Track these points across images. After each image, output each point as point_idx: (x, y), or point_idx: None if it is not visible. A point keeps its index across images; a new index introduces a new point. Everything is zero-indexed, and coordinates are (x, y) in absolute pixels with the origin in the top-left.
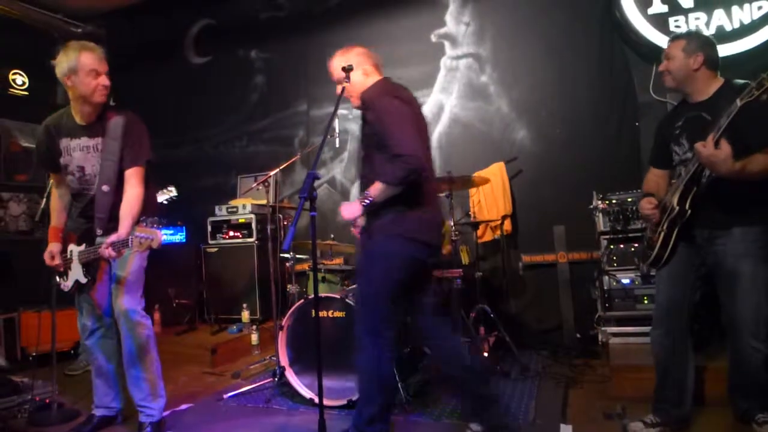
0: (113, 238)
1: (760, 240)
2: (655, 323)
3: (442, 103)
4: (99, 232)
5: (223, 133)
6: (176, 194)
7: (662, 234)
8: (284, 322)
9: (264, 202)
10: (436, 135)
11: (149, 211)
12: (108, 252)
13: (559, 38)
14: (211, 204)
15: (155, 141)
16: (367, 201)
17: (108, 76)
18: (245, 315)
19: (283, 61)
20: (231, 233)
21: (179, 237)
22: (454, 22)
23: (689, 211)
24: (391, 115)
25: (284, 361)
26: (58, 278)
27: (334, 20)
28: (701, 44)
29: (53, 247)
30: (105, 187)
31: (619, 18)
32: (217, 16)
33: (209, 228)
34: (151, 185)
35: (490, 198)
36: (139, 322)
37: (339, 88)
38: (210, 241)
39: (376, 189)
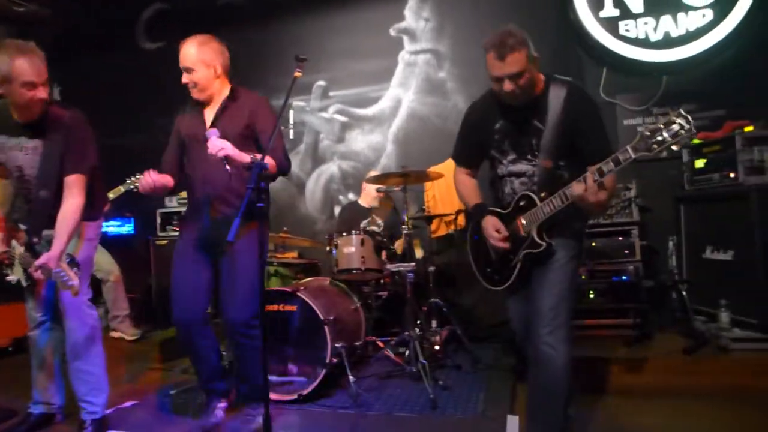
0: (42, 260)
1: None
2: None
3: (400, 98)
4: (35, 239)
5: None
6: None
7: (518, 265)
8: None
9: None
10: (393, 129)
11: (95, 215)
12: (36, 274)
13: None
14: (163, 195)
15: (102, 128)
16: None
17: (45, 87)
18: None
19: (240, 50)
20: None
21: (127, 228)
22: (414, 17)
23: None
24: None
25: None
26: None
27: (291, 10)
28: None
29: None
30: (43, 193)
31: (572, 20)
32: (172, 1)
33: (159, 220)
34: (97, 189)
35: (445, 193)
36: (85, 313)
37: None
38: (159, 233)
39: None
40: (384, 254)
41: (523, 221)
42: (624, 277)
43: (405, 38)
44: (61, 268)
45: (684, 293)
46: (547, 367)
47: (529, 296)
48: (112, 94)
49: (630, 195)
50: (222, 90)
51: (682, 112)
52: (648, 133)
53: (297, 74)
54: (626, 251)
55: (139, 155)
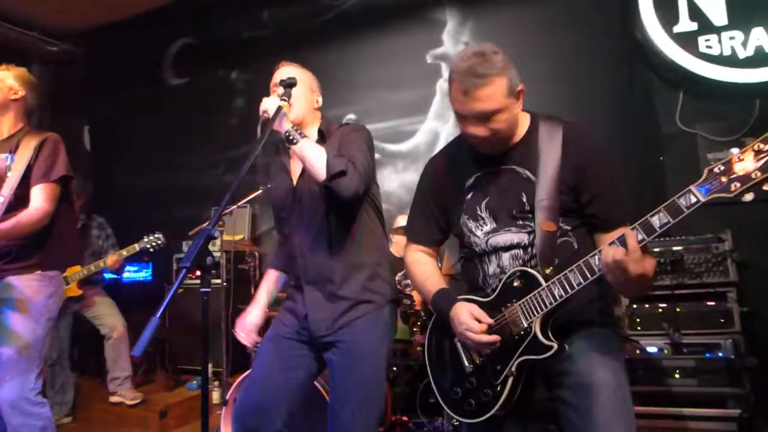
0: None
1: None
2: None
3: (437, 131)
4: None
5: (199, 160)
6: (163, 242)
7: (509, 380)
8: (229, 395)
9: (240, 237)
10: None
11: (53, 262)
12: None
13: (571, 61)
14: (183, 239)
15: (128, 167)
16: None
17: None
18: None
19: (266, 83)
20: (198, 272)
21: (144, 274)
22: (452, 42)
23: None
24: None
25: None
26: None
27: (321, 39)
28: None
29: None
30: None
31: (640, 38)
32: (198, 35)
33: (175, 266)
34: (70, 212)
35: None
36: (30, 414)
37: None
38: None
39: None
40: (413, 321)
41: (519, 311)
42: (720, 354)
43: (443, 65)
44: None
45: None
46: None
47: None
48: (139, 131)
49: (724, 248)
50: (312, 126)
51: None
52: (720, 169)
53: (282, 103)
54: (722, 320)
55: (159, 196)
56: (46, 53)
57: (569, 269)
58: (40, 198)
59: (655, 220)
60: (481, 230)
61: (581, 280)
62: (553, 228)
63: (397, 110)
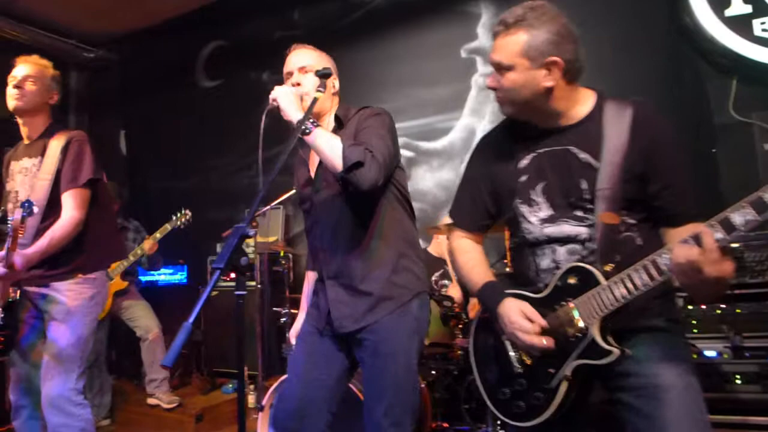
0: (16, 258)
1: None
2: None
3: (473, 128)
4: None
5: (232, 162)
6: (190, 217)
7: (562, 385)
8: (265, 400)
9: (274, 239)
10: (465, 165)
11: (94, 265)
12: None
13: (615, 50)
14: (217, 240)
15: (162, 171)
16: None
17: (21, 84)
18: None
19: None
20: (232, 275)
21: (179, 277)
22: (487, 35)
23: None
24: None
25: None
26: None
27: (352, 37)
28: (554, 37)
29: None
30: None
31: (689, 23)
32: (229, 38)
33: (210, 268)
34: (104, 211)
35: None
36: (70, 414)
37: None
38: None
39: None
40: (454, 323)
41: (575, 311)
42: None
43: (478, 59)
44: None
45: None
46: None
47: None
48: (174, 135)
49: None
50: (330, 113)
51: None
52: None
53: (317, 94)
54: None
55: (192, 198)
56: (83, 60)
57: (633, 268)
58: (70, 206)
59: (737, 217)
60: (536, 216)
61: (647, 281)
62: (615, 221)
63: (432, 107)
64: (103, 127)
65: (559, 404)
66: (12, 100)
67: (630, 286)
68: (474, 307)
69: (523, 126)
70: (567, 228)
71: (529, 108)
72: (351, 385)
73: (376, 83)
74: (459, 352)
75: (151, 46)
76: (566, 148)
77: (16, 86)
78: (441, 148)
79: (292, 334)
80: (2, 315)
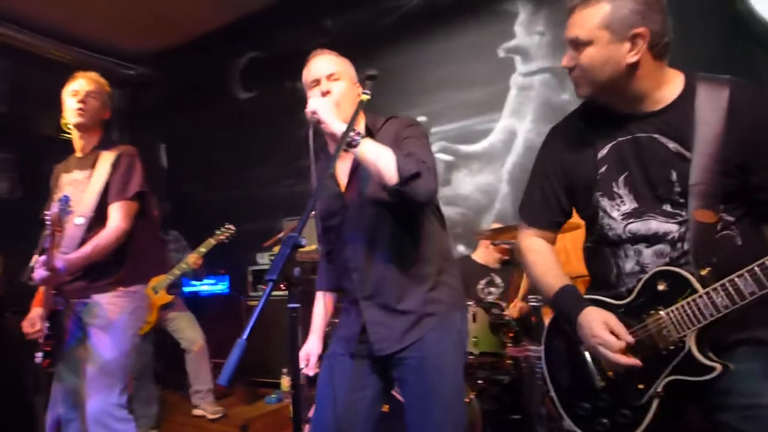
0: (57, 260)
1: None
2: None
3: (514, 129)
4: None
5: (270, 172)
6: (234, 231)
7: (655, 403)
8: (312, 413)
9: (314, 248)
10: (507, 167)
11: (133, 278)
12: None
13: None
14: (257, 251)
15: (201, 182)
16: None
17: (85, 100)
18: (285, 382)
19: None
20: (283, 285)
21: (221, 287)
22: (526, 33)
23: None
24: None
25: None
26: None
27: (386, 42)
28: (640, 6)
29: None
30: (78, 220)
31: (741, 10)
32: (263, 49)
33: (250, 278)
34: (148, 225)
35: (581, 246)
36: (114, 430)
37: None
38: (251, 293)
39: None
40: (505, 332)
41: (666, 321)
42: None
43: (517, 58)
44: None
45: None
46: None
47: None
48: (211, 147)
49: None
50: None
51: None
52: None
53: (364, 96)
54: None
55: (232, 209)
56: (125, 77)
57: (738, 274)
58: (117, 217)
59: None
60: (618, 210)
61: (755, 289)
62: (711, 219)
63: (470, 109)
64: (144, 142)
65: (650, 423)
66: (75, 116)
67: (734, 294)
68: (517, 308)
69: (601, 112)
70: (654, 224)
71: (609, 89)
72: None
73: (412, 88)
74: (508, 361)
75: (187, 61)
76: (651, 136)
77: (80, 102)
78: (481, 151)
79: (303, 356)
80: (48, 324)
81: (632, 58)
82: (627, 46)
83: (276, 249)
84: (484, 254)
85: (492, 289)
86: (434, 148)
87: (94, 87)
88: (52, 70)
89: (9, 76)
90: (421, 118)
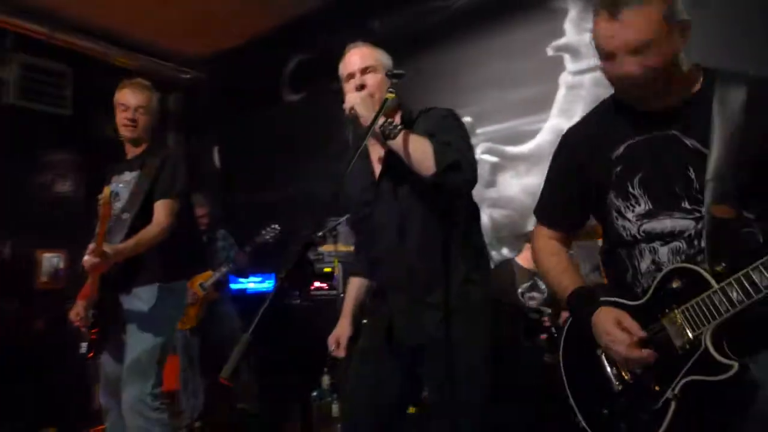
0: (107, 248)
1: None
2: None
3: (562, 129)
4: None
5: (317, 172)
6: (279, 231)
7: (673, 405)
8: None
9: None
10: None
11: (177, 273)
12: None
13: (710, 44)
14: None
15: (252, 183)
16: None
17: (139, 110)
18: (325, 380)
19: None
20: (316, 284)
21: (268, 285)
22: (575, 30)
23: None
24: None
25: None
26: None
27: (432, 42)
28: None
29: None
30: (124, 215)
31: None
32: (311, 51)
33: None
34: (190, 224)
35: None
36: (147, 418)
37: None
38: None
39: None
40: (545, 338)
41: (682, 318)
42: None
43: (566, 57)
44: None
45: None
46: None
47: None
48: (261, 150)
49: None
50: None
51: None
52: None
53: (389, 95)
54: None
55: (280, 209)
56: (180, 81)
57: (752, 266)
58: (161, 214)
59: None
60: (633, 212)
61: None
62: (729, 214)
63: (517, 109)
64: (199, 144)
65: (668, 427)
66: (126, 132)
67: (749, 288)
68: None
69: (619, 110)
70: (670, 223)
71: (657, 86)
72: None
73: (458, 87)
74: None
75: (238, 64)
76: (668, 133)
77: (129, 119)
78: (528, 152)
79: (332, 340)
80: (94, 311)
81: (681, 47)
82: (677, 36)
83: (326, 247)
84: (529, 258)
85: (535, 294)
86: (479, 149)
87: (143, 101)
88: (111, 73)
89: (72, 80)
90: (467, 119)
